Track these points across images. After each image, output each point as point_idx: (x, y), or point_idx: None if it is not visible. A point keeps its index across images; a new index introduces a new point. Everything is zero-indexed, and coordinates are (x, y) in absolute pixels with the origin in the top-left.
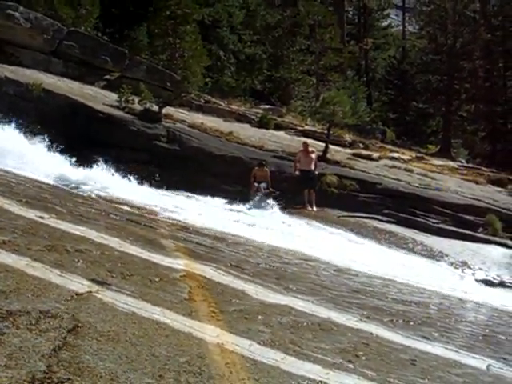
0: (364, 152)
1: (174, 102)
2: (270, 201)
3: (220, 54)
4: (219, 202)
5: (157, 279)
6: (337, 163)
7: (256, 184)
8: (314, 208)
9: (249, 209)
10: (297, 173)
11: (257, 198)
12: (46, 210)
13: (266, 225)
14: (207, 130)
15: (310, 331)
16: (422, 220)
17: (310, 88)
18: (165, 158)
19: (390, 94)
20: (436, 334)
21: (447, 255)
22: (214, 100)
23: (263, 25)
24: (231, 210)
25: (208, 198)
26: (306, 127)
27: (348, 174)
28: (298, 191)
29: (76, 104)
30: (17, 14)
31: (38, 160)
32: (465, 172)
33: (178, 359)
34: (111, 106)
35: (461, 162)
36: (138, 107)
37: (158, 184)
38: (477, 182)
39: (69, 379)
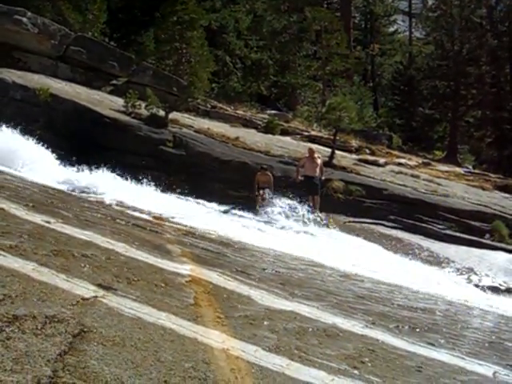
0: (370, 158)
1: (180, 107)
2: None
3: (226, 59)
4: (225, 207)
5: (163, 284)
6: (343, 169)
7: (261, 191)
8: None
9: (254, 214)
10: (300, 178)
11: (262, 203)
12: (53, 215)
13: (272, 230)
14: (213, 135)
15: (316, 337)
16: (428, 226)
17: (316, 93)
18: (171, 163)
19: (397, 99)
20: (442, 341)
21: (453, 261)
22: (220, 105)
23: (270, 30)
24: (237, 215)
25: (214, 203)
26: (313, 132)
27: (354, 179)
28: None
29: (83, 109)
30: (24, 20)
31: (44, 164)
32: (471, 178)
33: (184, 364)
34: (118, 110)
35: (467, 167)
36: (144, 112)
37: (163, 189)
38: (483, 188)
39: None
